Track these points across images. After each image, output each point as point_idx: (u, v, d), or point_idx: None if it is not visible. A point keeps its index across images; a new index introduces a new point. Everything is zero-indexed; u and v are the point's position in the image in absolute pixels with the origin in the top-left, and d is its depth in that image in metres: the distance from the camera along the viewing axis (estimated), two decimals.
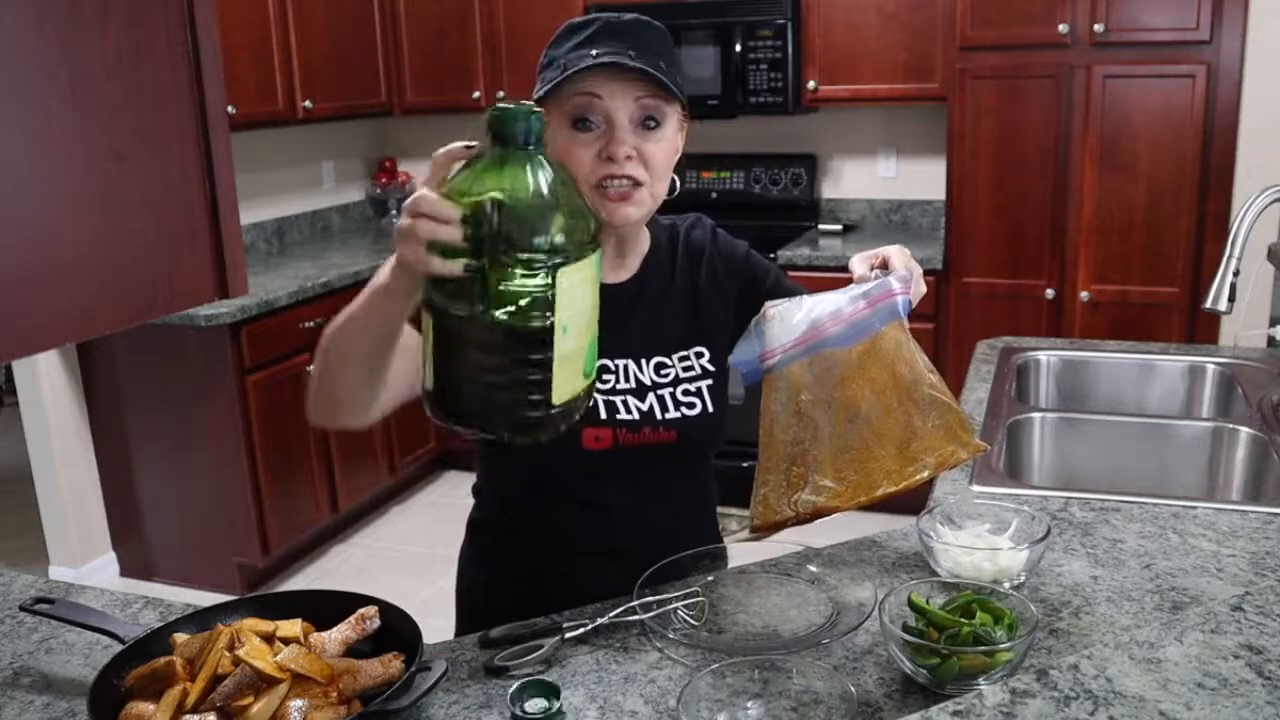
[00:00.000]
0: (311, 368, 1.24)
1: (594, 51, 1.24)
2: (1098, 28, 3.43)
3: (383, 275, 1.10)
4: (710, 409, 1.38)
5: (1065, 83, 3.52)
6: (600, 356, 1.14)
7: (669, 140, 1.30)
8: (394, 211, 5.05)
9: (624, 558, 1.33)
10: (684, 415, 1.36)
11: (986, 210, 3.70)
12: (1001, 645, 1.08)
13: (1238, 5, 3.32)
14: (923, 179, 4.30)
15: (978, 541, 1.34)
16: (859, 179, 4.46)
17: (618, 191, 1.26)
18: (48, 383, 3.59)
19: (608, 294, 1.13)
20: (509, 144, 1.00)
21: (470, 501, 1.52)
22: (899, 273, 1.25)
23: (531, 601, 1.32)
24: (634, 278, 1.40)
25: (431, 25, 4.56)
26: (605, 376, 1.34)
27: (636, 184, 1.26)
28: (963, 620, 1.13)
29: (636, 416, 1.34)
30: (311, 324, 3.73)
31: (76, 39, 0.77)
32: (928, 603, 1.16)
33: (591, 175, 1.25)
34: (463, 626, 1.49)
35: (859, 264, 1.28)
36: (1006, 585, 1.26)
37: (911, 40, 3.88)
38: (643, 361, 1.37)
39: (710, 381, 1.39)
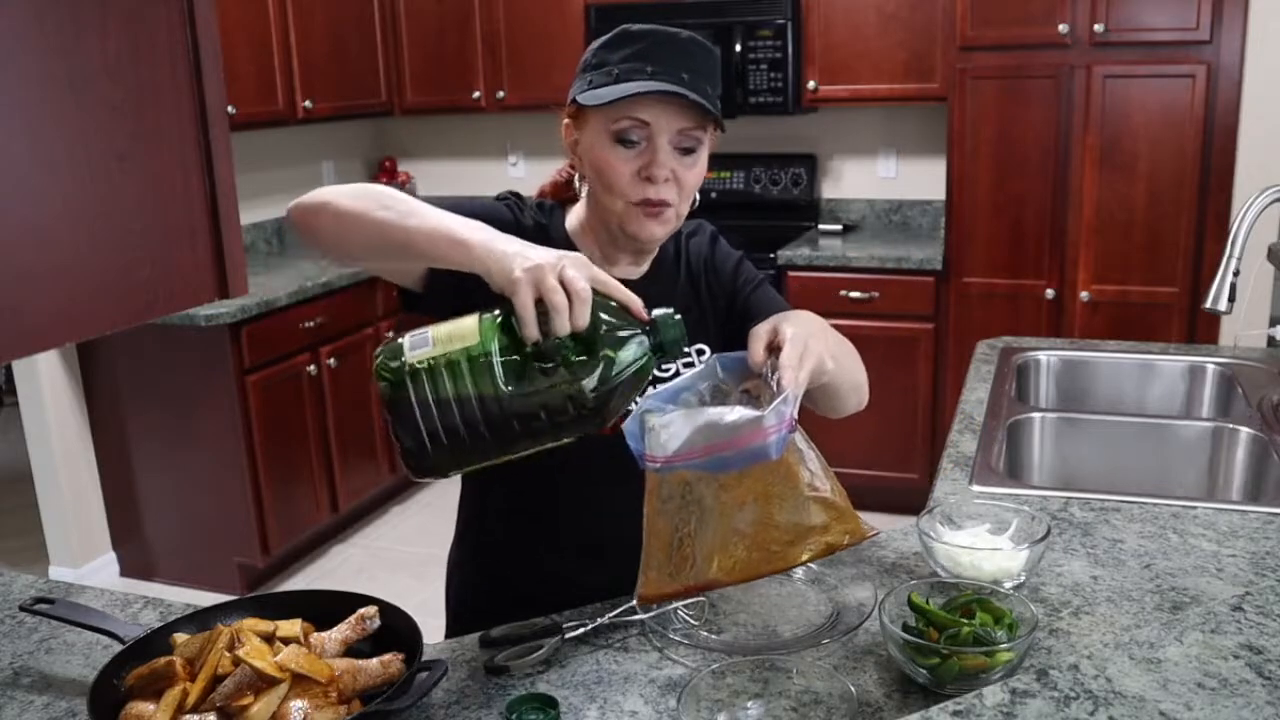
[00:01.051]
0: (330, 200, 1.20)
1: (649, 69, 1.26)
2: (1098, 28, 3.43)
3: (459, 239, 1.10)
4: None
5: (1065, 83, 3.52)
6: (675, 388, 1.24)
7: (702, 164, 1.33)
8: None
9: (622, 554, 1.31)
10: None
11: (986, 210, 3.70)
12: (1001, 645, 1.09)
13: (1238, 5, 3.32)
14: (923, 179, 4.30)
15: (978, 541, 1.34)
16: (859, 179, 4.46)
17: (650, 211, 1.30)
18: (48, 383, 3.59)
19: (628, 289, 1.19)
20: (656, 350, 1.10)
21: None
22: (784, 372, 1.15)
23: (529, 603, 1.32)
24: (645, 276, 1.42)
25: (431, 25, 4.56)
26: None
27: (667, 204, 1.30)
28: (963, 620, 1.13)
29: None
30: (311, 324, 3.73)
31: (77, 39, 0.77)
32: (928, 603, 1.16)
33: (629, 191, 1.29)
34: (454, 631, 1.49)
35: (756, 342, 1.20)
36: (1006, 585, 1.26)
37: (911, 40, 3.88)
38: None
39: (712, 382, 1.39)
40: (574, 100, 1.31)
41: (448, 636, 1.45)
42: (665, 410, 1.17)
